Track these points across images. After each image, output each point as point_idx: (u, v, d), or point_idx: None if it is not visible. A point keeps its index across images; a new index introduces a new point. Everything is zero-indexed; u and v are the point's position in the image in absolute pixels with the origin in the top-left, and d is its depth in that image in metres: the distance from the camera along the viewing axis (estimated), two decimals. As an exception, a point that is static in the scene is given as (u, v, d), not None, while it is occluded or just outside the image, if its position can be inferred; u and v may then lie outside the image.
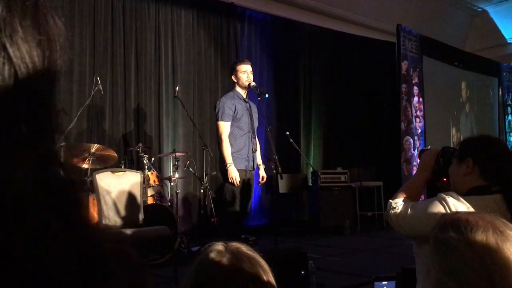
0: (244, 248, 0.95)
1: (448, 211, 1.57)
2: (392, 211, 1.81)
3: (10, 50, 0.32)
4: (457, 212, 0.96)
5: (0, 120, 0.31)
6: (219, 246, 0.95)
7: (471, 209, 1.56)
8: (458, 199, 1.61)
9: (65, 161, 0.36)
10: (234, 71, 4.36)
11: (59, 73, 0.36)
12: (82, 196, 0.36)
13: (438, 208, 1.62)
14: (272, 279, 0.92)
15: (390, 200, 1.85)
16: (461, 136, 9.06)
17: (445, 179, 1.83)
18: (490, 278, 0.81)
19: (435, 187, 1.82)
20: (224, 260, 0.90)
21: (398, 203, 1.82)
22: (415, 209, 1.75)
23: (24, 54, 0.33)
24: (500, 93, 10.41)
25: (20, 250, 0.30)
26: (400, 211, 1.78)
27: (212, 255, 0.92)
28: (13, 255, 0.30)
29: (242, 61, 4.42)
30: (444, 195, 1.65)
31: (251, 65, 4.45)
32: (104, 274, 0.34)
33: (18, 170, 0.31)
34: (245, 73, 4.30)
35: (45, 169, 0.33)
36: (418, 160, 2.00)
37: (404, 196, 1.84)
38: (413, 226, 1.72)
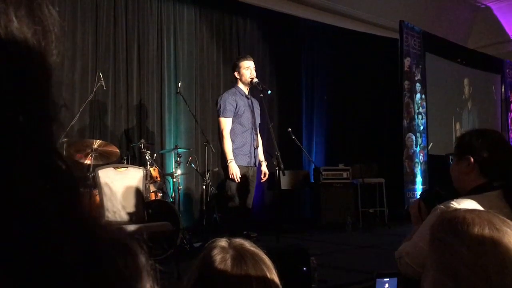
0: (247, 244, 0.95)
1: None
2: (402, 259, 1.71)
3: (5, 41, 0.32)
4: (455, 210, 0.95)
5: None
6: (223, 242, 0.95)
7: (474, 205, 1.55)
8: (459, 202, 1.57)
9: (64, 152, 0.36)
10: (236, 67, 4.33)
11: (55, 63, 0.36)
12: (82, 186, 0.36)
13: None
14: (275, 276, 0.92)
15: (396, 256, 1.77)
16: (464, 133, 9.04)
17: None
18: (486, 276, 0.81)
19: (433, 201, 1.79)
20: (228, 256, 0.90)
21: (400, 249, 1.75)
22: (420, 232, 1.69)
23: (20, 44, 0.33)
24: (503, 90, 10.38)
25: (19, 240, 0.30)
26: (408, 250, 1.70)
27: (216, 251, 0.92)
28: (12, 245, 0.30)
29: (244, 57, 4.39)
30: (444, 203, 1.60)
31: (254, 61, 4.44)
32: (102, 263, 0.34)
33: (17, 160, 0.31)
34: (248, 69, 4.27)
35: (43, 159, 0.33)
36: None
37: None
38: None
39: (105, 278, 0.34)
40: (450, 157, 1.88)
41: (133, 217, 3.83)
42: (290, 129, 5.67)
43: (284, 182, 6.72)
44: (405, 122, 7.82)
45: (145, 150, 5.08)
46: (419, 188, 7.86)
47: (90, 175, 4.38)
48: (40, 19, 0.35)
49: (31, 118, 0.32)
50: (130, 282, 0.36)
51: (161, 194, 5.09)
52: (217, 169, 5.75)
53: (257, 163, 4.38)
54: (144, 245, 0.39)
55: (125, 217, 3.80)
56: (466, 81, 9.49)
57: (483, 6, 10.30)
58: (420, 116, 8.13)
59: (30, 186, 0.31)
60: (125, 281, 0.35)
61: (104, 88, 5.39)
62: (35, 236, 0.31)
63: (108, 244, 0.36)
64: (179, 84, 5.79)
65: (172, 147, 5.77)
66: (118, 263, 0.35)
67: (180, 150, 5.30)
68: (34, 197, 0.31)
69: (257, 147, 4.36)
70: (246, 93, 4.33)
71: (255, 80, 4.27)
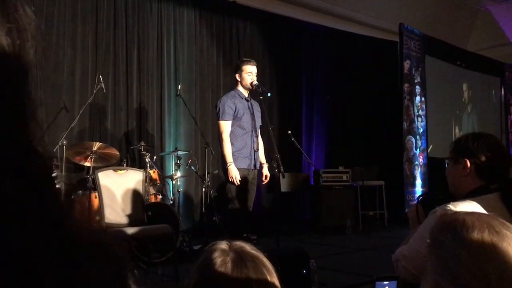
0: (248, 247, 0.94)
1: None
2: (399, 262, 1.71)
3: None
4: (455, 213, 0.95)
5: None
6: (223, 245, 0.94)
7: (472, 207, 1.54)
8: (456, 205, 1.56)
9: (43, 151, 0.35)
10: (239, 69, 4.32)
11: (32, 62, 0.36)
12: (57, 184, 0.35)
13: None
14: (276, 280, 0.92)
15: (393, 259, 1.76)
16: (463, 136, 9.05)
17: None
18: (486, 279, 0.80)
19: (430, 205, 1.78)
20: (228, 259, 0.90)
21: (397, 253, 1.74)
22: (416, 235, 1.68)
23: None
24: (503, 93, 10.39)
25: None
26: (404, 254, 1.69)
27: (216, 254, 0.91)
28: None
29: (248, 62, 4.34)
30: (442, 206, 1.59)
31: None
32: (78, 264, 0.34)
33: None
34: (250, 74, 4.26)
35: (19, 159, 0.32)
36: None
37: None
38: (422, 252, 1.48)
39: (82, 280, 0.33)
40: (446, 161, 1.88)
41: (133, 220, 3.83)
42: (290, 132, 5.67)
43: (284, 184, 6.71)
44: (405, 125, 7.82)
45: (145, 152, 5.08)
46: (419, 190, 7.85)
47: (90, 178, 4.38)
48: (15, 18, 0.34)
49: (7, 117, 0.32)
50: (110, 284, 0.35)
51: (160, 197, 5.08)
52: (216, 171, 5.75)
53: (257, 166, 4.38)
54: (130, 248, 0.38)
55: (124, 219, 3.80)
56: (465, 84, 9.49)
57: (482, 9, 10.31)
58: (419, 119, 8.14)
59: (4, 186, 0.31)
60: (104, 283, 0.35)
61: (104, 91, 5.39)
62: (6, 237, 0.30)
63: (88, 247, 0.35)
64: (179, 86, 5.79)
65: (172, 150, 5.77)
66: (97, 266, 0.35)
67: (179, 153, 5.30)
68: (7, 198, 0.31)
69: (258, 149, 4.35)
70: (246, 95, 4.33)
71: (255, 82, 4.26)
